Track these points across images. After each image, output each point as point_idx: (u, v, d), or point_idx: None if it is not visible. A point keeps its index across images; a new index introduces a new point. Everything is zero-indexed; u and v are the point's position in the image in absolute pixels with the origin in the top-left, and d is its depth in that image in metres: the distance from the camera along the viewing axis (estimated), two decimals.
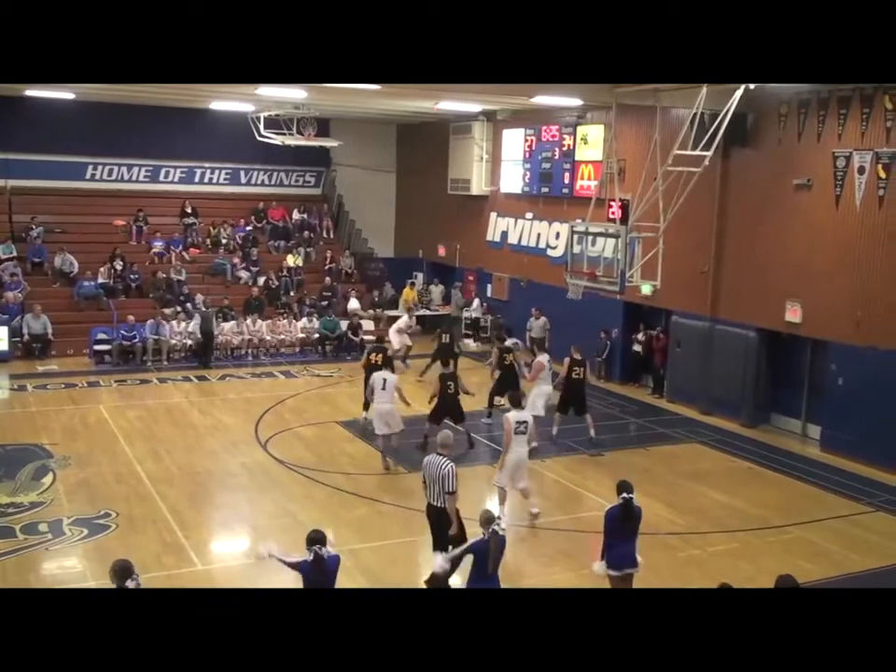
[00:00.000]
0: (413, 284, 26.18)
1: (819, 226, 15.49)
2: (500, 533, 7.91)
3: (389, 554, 10.81)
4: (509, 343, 17.60)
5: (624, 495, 8.62)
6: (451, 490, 9.26)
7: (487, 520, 7.98)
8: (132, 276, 23.36)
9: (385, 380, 13.96)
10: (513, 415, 11.61)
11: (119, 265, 23.39)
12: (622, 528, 8.68)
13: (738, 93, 13.58)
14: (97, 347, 21.15)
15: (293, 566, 7.31)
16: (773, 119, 16.24)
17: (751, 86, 13.43)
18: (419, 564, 10.42)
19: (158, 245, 24.72)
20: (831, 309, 15.33)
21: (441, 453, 9.51)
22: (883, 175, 14.44)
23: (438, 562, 8.25)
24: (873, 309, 14.66)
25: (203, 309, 21.94)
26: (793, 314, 15.98)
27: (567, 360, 15.62)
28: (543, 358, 15.93)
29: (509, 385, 15.87)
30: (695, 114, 14.09)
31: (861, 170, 14.77)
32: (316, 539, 7.26)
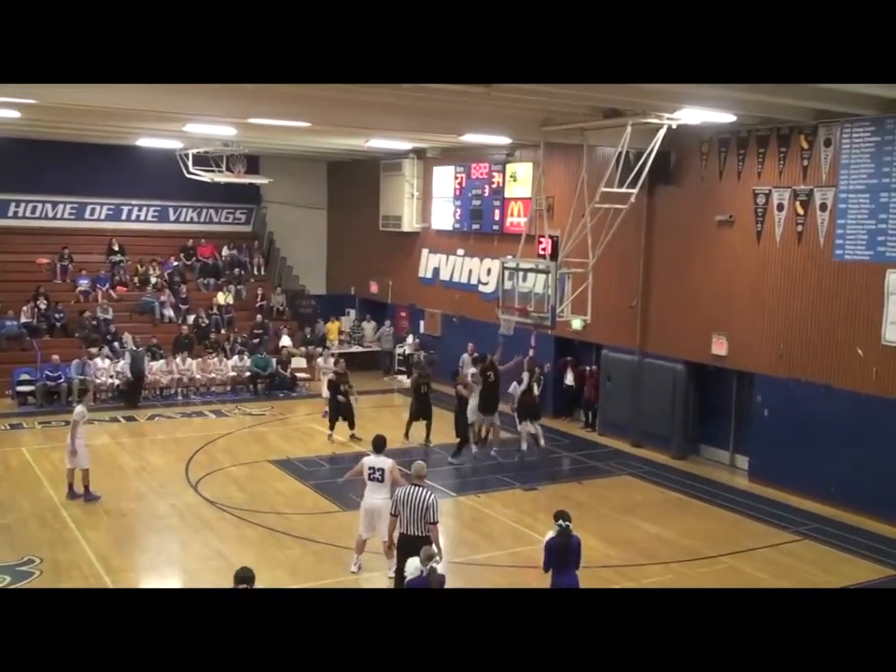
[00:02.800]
0: (333, 320, 26.54)
1: (742, 261, 15.92)
2: (439, 571, 7.90)
3: None
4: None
5: (560, 522, 8.74)
6: (435, 520, 9.34)
7: (427, 557, 7.96)
8: (56, 315, 22.84)
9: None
10: (369, 460, 10.95)
11: (42, 304, 22.86)
12: (561, 559, 8.75)
13: (661, 132, 13.93)
14: (20, 388, 20.60)
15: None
16: (695, 157, 16.70)
17: (674, 125, 13.79)
18: None
19: (83, 284, 24.23)
20: (755, 341, 15.72)
21: (417, 483, 9.55)
22: (801, 211, 14.93)
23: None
24: (794, 341, 15.07)
25: (134, 348, 21.54)
26: (719, 346, 16.34)
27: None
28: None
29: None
30: (620, 152, 14.40)
31: (780, 207, 15.25)
32: (245, 577, 7.18)
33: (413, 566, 8.15)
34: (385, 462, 10.88)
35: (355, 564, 11.21)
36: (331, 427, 17.70)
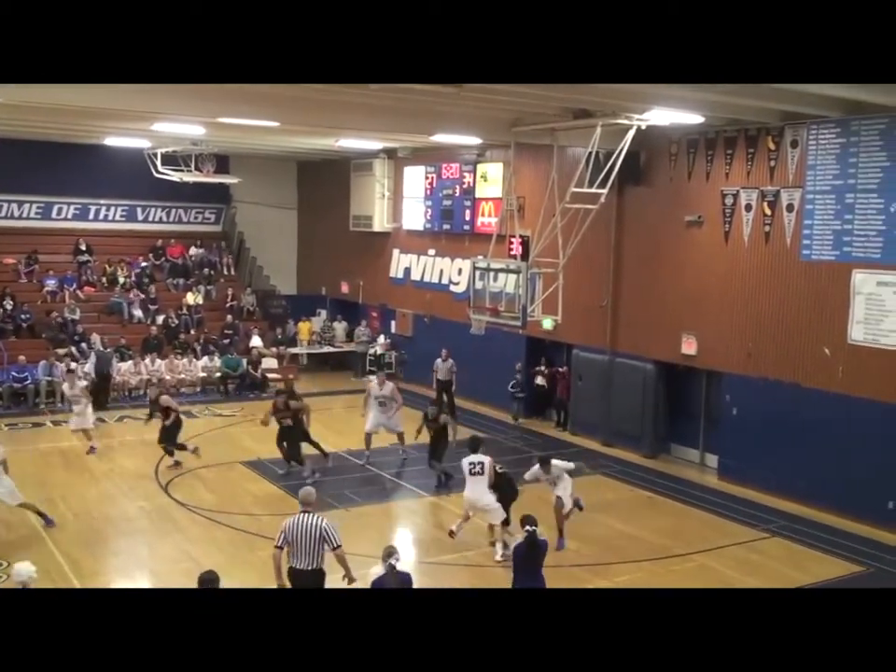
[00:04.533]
0: (304, 320, 26.47)
1: (711, 261, 16.04)
2: (399, 569, 7.86)
3: None
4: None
5: (528, 528, 8.77)
6: (338, 544, 8.65)
7: (388, 554, 7.93)
8: (22, 316, 22.57)
9: None
10: (470, 457, 12.14)
11: (8, 304, 22.58)
12: (526, 562, 8.80)
13: (631, 133, 13.99)
14: None
15: None
16: (664, 157, 16.81)
17: (643, 126, 13.86)
18: None
19: (50, 284, 23.96)
20: (723, 341, 15.85)
21: (307, 510, 8.71)
22: (768, 211, 15.07)
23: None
24: (762, 340, 15.21)
25: (101, 349, 21.32)
26: (689, 346, 16.46)
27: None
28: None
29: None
30: (591, 153, 14.47)
31: (748, 207, 15.39)
32: (209, 580, 7.17)
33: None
34: (483, 457, 12.17)
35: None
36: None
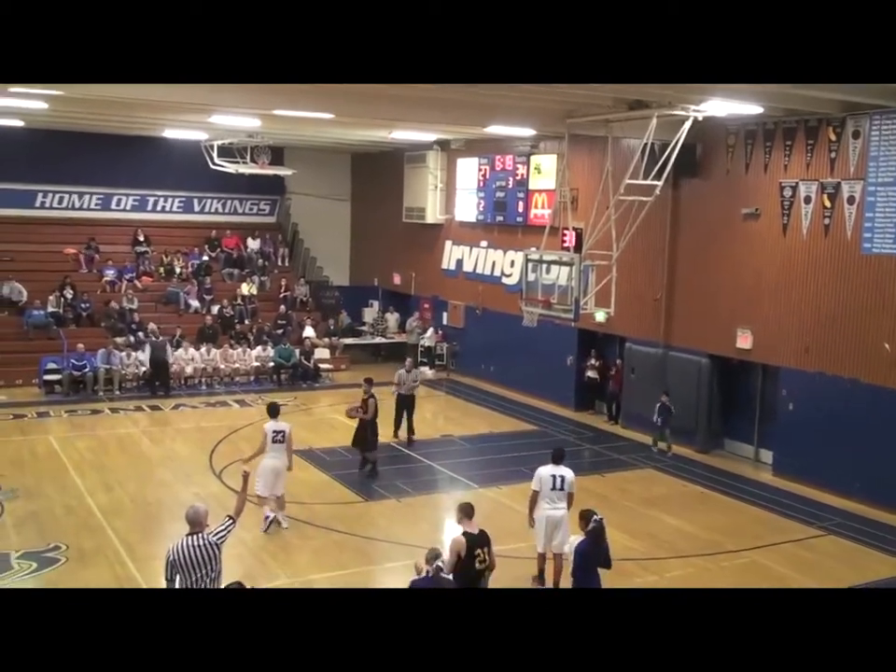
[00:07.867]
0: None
1: (768, 254, 15.80)
2: (443, 573, 7.88)
3: (346, 584, 10.71)
4: None
5: (595, 517, 8.47)
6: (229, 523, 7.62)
7: (434, 556, 7.95)
8: (82, 305, 23.06)
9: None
10: (271, 425, 12.41)
11: (69, 294, 23.10)
12: (593, 560, 8.47)
13: (687, 124, 13.83)
14: (47, 377, 20.82)
15: None
16: (721, 149, 16.57)
17: (700, 117, 13.69)
18: None
19: (109, 274, 24.45)
20: (780, 335, 15.61)
21: (197, 531, 7.41)
22: (828, 204, 14.79)
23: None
24: (820, 335, 14.95)
25: (154, 338, 21.68)
26: (744, 340, 16.23)
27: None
28: None
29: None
30: (646, 144, 14.33)
31: (807, 199, 15.11)
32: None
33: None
34: (284, 426, 12.47)
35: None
36: None
